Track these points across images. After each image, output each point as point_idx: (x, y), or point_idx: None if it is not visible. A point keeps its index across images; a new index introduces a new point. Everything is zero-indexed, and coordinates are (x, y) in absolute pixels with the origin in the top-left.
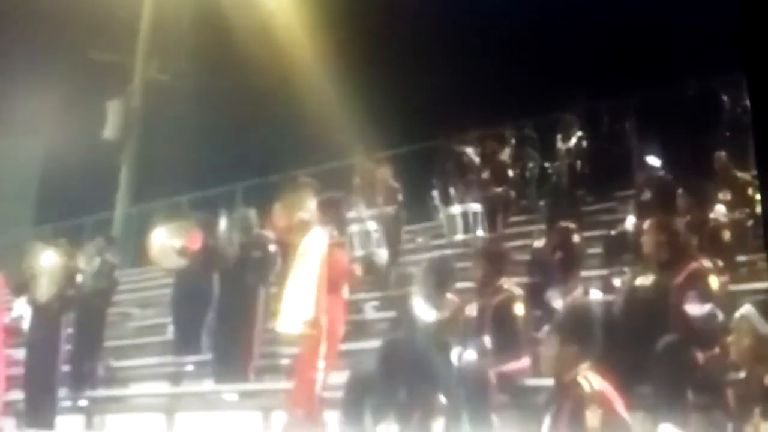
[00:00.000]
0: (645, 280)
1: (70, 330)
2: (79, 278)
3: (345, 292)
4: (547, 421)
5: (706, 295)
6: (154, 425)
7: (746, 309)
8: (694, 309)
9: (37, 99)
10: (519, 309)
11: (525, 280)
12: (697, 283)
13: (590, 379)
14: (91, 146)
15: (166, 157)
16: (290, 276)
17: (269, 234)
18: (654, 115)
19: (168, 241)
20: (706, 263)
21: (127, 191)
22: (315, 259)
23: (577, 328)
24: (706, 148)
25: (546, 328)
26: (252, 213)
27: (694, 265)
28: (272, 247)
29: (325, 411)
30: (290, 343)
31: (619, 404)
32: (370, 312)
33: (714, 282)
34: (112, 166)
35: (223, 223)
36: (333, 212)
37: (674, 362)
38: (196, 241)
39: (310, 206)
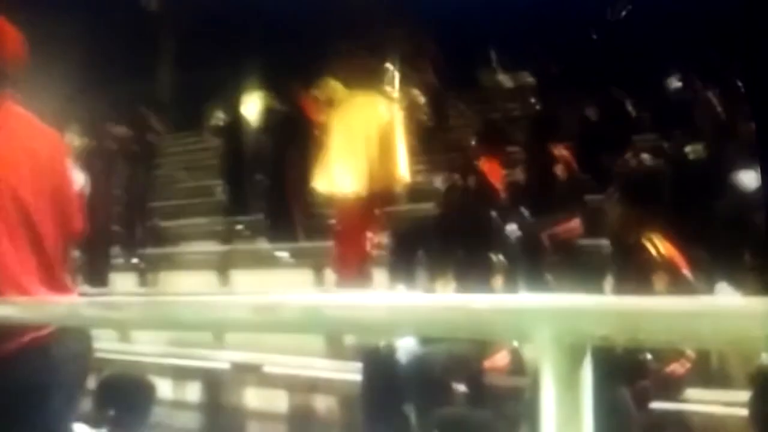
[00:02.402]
0: (696, 149)
1: (118, 191)
2: (124, 144)
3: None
4: (609, 280)
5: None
6: (207, 282)
7: None
8: (747, 176)
9: None
10: (565, 170)
11: (575, 144)
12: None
13: (656, 244)
14: (133, 15)
15: (208, 27)
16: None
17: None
18: None
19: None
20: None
21: (170, 60)
22: (395, 123)
23: (643, 191)
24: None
25: (610, 190)
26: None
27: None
28: (309, 115)
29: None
30: (345, 204)
31: (685, 268)
32: (419, 177)
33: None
34: (155, 35)
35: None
36: (368, 79)
37: (733, 226)
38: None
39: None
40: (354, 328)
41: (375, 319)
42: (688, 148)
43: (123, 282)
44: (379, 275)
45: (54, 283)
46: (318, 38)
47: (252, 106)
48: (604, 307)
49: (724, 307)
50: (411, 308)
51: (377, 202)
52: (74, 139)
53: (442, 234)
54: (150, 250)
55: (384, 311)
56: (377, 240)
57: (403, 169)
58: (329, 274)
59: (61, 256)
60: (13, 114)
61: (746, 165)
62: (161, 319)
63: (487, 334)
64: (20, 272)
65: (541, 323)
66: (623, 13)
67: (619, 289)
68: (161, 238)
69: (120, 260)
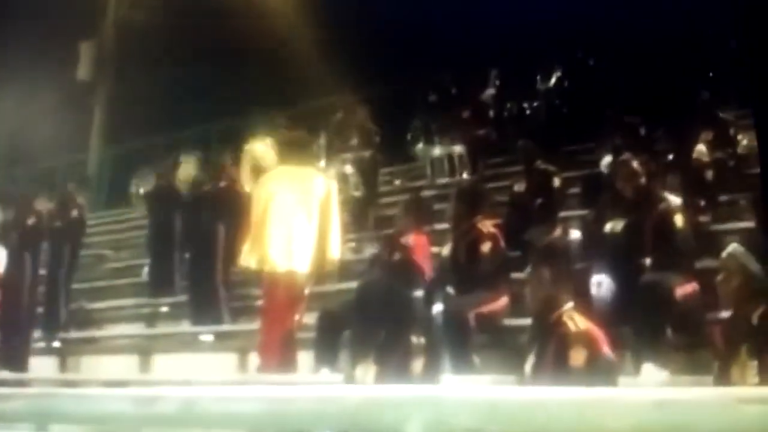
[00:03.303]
0: (616, 225)
1: (42, 272)
2: (48, 220)
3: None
4: (530, 360)
5: (674, 233)
6: (129, 366)
7: (734, 248)
8: (665, 248)
9: (7, 41)
10: (492, 247)
11: (502, 221)
12: (665, 221)
13: (575, 319)
14: (64, 88)
15: (140, 98)
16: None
17: (236, 174)
18: (634, 55)
19: (137, 186)
20: (675, 201)
21: (100, 133)
22: (331, 200)
23: (560, 268)
24: (689, 88)
25: (528, 268)
26: (218, 157)
27: (662, 205)
28: (237, 187)
29: (298, 351)
30: (272, 281)
31: (604, 344)
32: (348, 253)
33: (680, 220)
34: (85, 108)
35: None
36: (298, 152)
37: (651, 301)
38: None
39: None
40: (232, 422)
41: (252, 413)
42: (607, 222)
43: (43, 366)
44: (306, 358)
45: None
46: (250, 106)
47: (180, 178)
48: (475, 397)
49: (592, 398)
50: (288, 401)
51: (307, 280)
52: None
53: (363, 315)
54: (72, 333)
55: (261, 404)
56: (302, 320)
57: (336, 247)
58: (254, 358)
59: None
60: None
61: (665, 237)
62: (45, 412)
63: (362, 427)
64: None
65: (412, 415)
66: (552, 81)
67: (538, 368)
68: (85, 320)
69: (41, 344)
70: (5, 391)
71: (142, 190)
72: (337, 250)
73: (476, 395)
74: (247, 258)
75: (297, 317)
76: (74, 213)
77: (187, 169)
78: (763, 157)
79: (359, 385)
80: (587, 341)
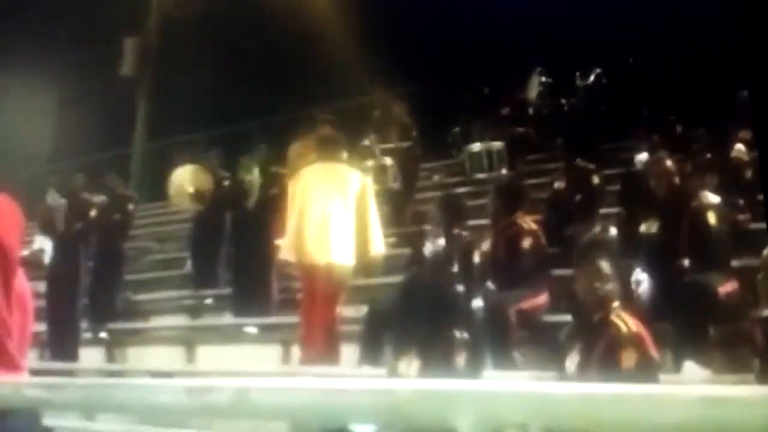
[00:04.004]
0: (651, 225)
1: (90, 263)
2: (94, 211)
3: None
4: (574, 357)
5: (708, 232)
6: (174, 357)
7: None
8: (701, 247)
9: (53, 36)
10: (533, 244)
11: (542, 216)
12: (699, 220)
13: (625, 320)
14: (108, 82)
15: (183, 94)
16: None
17: (284, 171)
18: (673, 53)
19: (183, 185)
20: (709, 200)
21: (144, 127)
22: (368, 196)
23: (607, 266)
24: (727, 86)
25: (575, 264)
26: (267, 152)
27: (695, 204)
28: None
29: (340, 344)
30: (313, 275)
31: (652, 346)
32: (388, 248)
33: (713, 218)
34: (129, 103)
35: (239, 163)
36: (332, 149)
37: (695, 300)
38: (209, 184)
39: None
40: (283, 413)
41: (302, 404)
42: (642, 221)
43: (90, 357)
44: (350, 351)
45: (4, 359)
46: (292, 103)
47: (224, 175)
48: (525, 392)
49: (639, 394)
50: (338, 393)
51: (350, 274)
52: (45, 206)
53: (407, 310)
54: (118, 325)
55: (311, 396)
56: (345, 314)
57: (378, 241)
58: (297, 350)
59: (9, 331)
60: None
61: (699, 236)
62: (97, 402)
63: (411, 419)
64: None
65: (463, 409)
66: (591, 79)
67: (583, 366)
68: (131, 311)
69: (88, 334)
70: (58, 381)
71: (185, 188)
72: (380, 244)
73: (526, 390)
74: (287, 252)
75: (338, 310)
76: (124, 206)
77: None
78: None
79: (410, 379)
80: (637, 343)
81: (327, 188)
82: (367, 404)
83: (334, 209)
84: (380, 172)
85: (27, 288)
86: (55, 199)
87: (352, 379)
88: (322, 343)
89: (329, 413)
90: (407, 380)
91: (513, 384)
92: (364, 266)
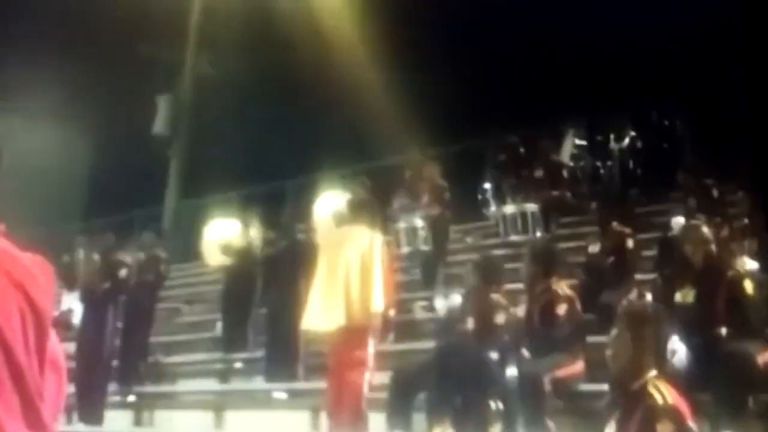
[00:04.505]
0: (687, 294)
1: (119, 324)
2: (125, 272)
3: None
4: (611, 428)
5: (745, 301)
6: (202, 422)
7: None
8: (737, 316)
9: (88, 94)
10: (568, 310)
11: (577, 282)
12: (736, 289)
13: (662, 390)
14: (141, 141)
15: (215, 152)
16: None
17: (311, 229)
18: (709, 115)
19: (213, 239)
20: (747, 267)
21: (176, 186)
22: (371, 253)
23: (646, 334)
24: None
25: (611, 331)
26: (297, 210)
27: (731, 273)
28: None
29: (365, 412)
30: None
31: (689, 417)
32: (419, 312)
33: (750, 287)
34: (161, 161)
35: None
36: (364, 213)
37: (734, 370)
38: (241, 241)
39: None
40: None
41: None
42: (677, 288)
43: (118, 420)
44: (378, 419)
45: (36, 422)
46: (324, 163)
47: (255, 234)
48: None
49: None
50: None
51: (361, 337)
52: (75, 266)
53: (442, 378)
54: (147, 388)
55: None
56: (370, 380)
57: (378, 300)
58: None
59: (42, 394)
60: None
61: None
62: None
63: None
64: (3, 411)
65: None
66: (626, 142)
67: None
68: (160, 374)
69: (116, 397)
70: None
71: (217, 246)
72: (379, 302)
73: None
74: (304, 320)
75: (362, 376)
76: (158, 267)
77: (260, 227)
78: None
79: None
80: (675, 415)
81: (339, 252)
82: None
83: (341, 273)
84: (411, 233)
85: (59, 350)
86: (84, 257)
87: None
88: (347, 411)
89: None
90: None
91: None
92: (369, 327)
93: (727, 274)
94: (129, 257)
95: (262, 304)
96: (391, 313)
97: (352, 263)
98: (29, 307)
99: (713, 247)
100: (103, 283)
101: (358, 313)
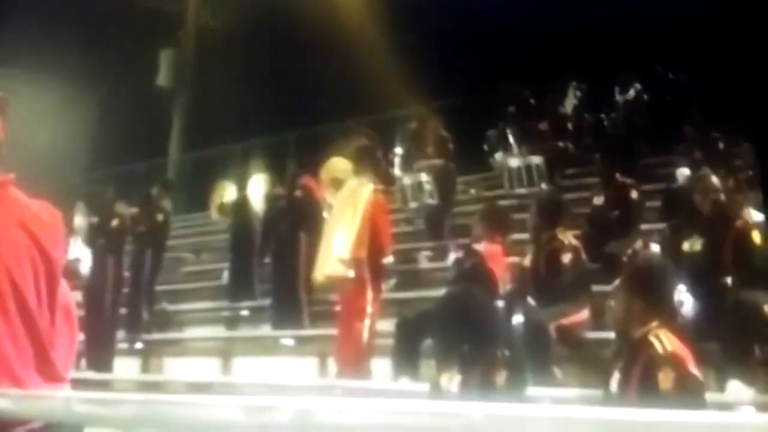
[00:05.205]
0: (695, 243)
1: (126, 273)
2: (129, 222)
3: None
4: (615, 376)
5: (753, 251)
6: (210, 369)
7: None
8: (745, 265)
9: (91, 48)
10: (573, 259)
11: (582, 233)
12: (744, 239)
13: (662, 339)
14: (144, 94)
15: (218, 105)
16: (331, 222)
17: (311, 183)
18: (714, 67)
19: (217, 193)
20: (754, 218)
21: (179, 138)
22: (356, 202)
23: (649, 284)
24: None
25: (615, 282)
26: (302, 164)
27: (740, 222)
28: (313, 196)
29: (373, 358)
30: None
31: (692, 364)
32: (424, 262)
33: (757, 236)
34: (165, 114)
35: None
36: (368, 160)
37: (741, 319)
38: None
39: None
40: None
41: (368, 425)
42: (685, 238)
43: (126, 367)
44: (384, 365)
45: (49, 371)
46: (326, 115)
47: (260, 187)
48: (600, 419)
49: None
50: (406, 414)
51: (358, 286)
52: (81, 218)
53: (447, 326)
54: (154, 335)
55: (379, 417)
56: (373, 327)
57: (360, 248)
58: (333, 363)
59: (54, 343)
60: (7, 195)
61: (744, 254)
62: (155, 419)
63: None
64: (17, 360)
65: None
66: (631, 94)
67: (623, 386)
68: (166, 322)
69: (124, 345)
70: (113, 396)
71: (221, 201)
72: (361, 251)
73: (602, 416)
74: (314, 270)
75: (366, 323)
76: (159, 217)
77: (260, 184)
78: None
79: (483, 402)
80: (675, 363)
81: (339, 205)
82: (438, 427)
83: (337, 224)
84: (417, 188)
85: (70, 299)
86: (83, 212)
87: (427, 400)
88: (351, 356)
89: None
90: (479, 404)
91: (588, 410)
92: (365, 276)
93: (736, 223)
94: (132, 208)
95: (265, 254)
96: (385, 261)
97: (347, 215)
98: (41, 256)
99: (722, 196)
100: (104, 233)
101: (342, 262)
